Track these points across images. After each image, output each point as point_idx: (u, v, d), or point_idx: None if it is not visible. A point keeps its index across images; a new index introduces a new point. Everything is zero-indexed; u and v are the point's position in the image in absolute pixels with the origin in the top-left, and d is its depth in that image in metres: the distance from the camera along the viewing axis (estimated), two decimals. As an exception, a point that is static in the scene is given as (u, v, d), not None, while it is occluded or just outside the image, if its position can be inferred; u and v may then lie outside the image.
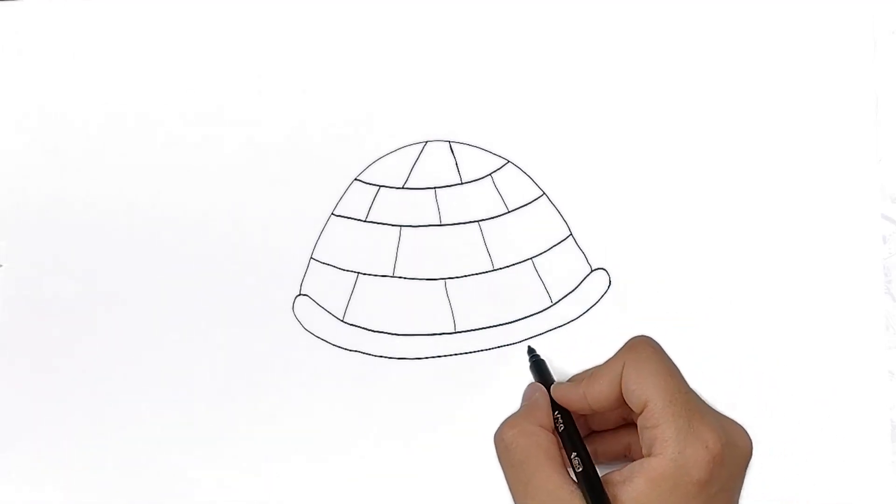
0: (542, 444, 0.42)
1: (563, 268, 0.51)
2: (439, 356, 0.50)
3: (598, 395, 0.43)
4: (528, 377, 0.48)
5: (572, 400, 0.44)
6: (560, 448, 0.43)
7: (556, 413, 0.44)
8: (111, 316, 0.52)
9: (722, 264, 0.50)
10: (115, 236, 0.52)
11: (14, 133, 0.54)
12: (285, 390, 0.51)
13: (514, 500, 0.42)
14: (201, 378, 0.51)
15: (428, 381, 0.50)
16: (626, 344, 0.44)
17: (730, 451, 0.40)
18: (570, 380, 0.47)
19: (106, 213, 0.53)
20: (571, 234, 0.51)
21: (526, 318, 0.50)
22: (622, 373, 0.42)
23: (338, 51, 0.53)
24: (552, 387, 0.45)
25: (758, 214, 0.51)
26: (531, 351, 0.49)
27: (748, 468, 0.42)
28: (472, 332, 0.51)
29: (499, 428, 0.44)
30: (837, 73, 0.51)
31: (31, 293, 0.52)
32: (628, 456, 0.46)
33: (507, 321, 0.50)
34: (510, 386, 0.49)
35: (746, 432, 0.42)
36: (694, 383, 0.42)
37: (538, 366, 0.48)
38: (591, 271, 0.51)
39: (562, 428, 0.43)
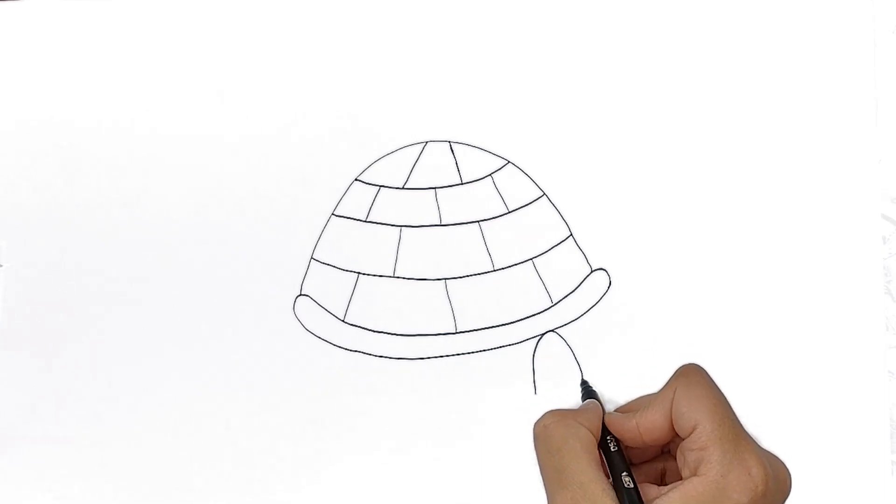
0: (581, 436, 0.42)
1: (563, 268, 0.51)
2: (440, 356, 0.50)
3: (650, 426, 0.43)
4: (530, 375, 0.49)
5: (625, 431, 0.44)
6: (597, 446, 0.42)
7: (609, 437, 0.44)
8: (111, 316, 0.52)
9: (722, 264, 0.50)
10: (115, 236, 0.52)
11: (14, 133, 0.54)
12: (286, 390, 0.51)
13: (546, 488, 0.42)
14: (202, 378, 0.51)
15: (429, 381, 0.50)
16: (676, 371, 0.44)
17: (773, 483, 0.39)
18: (619, 409, 0.47)
19: (106, 213, 0.53)
20: (571, 235, 0.51)
21: (526, 318, 0.50)
22: (673, 398, 0.42)
23: (338, 50, 0.53)
24: (605, 416, 0.45)
25: (758, 214, 0.51)
26: (584, 383, 0.49)
27: None
28: (473, 332, 0.51)
29: (541, 416, 0.44)
30: (837, 73, 0.51)
31: (32, 293, 0.52)
32: (661, 484, 0.45)
33: (507, 321, 0.51)
34: (511, 386, 0.49)
35: (787, 469, 0.42)
36: (694, 384, 0.43)
37: (590, 395, 0.48)
38: (591, 271, 0.51)
39: (614, 448, 0.43)
